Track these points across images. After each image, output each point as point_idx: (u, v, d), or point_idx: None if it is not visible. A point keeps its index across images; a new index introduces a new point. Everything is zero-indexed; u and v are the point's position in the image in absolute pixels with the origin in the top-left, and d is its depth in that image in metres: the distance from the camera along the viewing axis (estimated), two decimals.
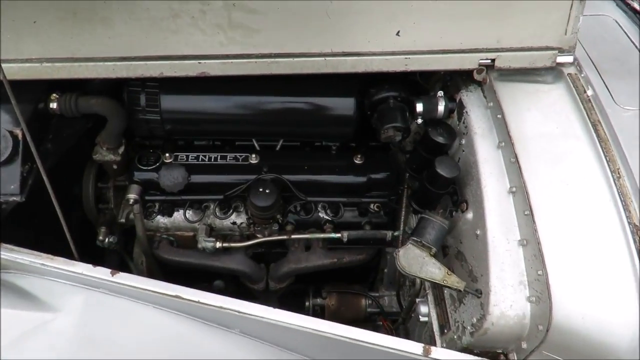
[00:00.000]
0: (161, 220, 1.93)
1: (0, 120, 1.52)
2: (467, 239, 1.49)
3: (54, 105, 1.61)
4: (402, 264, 1.44)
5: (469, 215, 1.50)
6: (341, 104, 1.81)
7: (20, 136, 1.47)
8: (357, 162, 1.90)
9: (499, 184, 1.45)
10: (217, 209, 1.91)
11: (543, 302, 1.26)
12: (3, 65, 1.49)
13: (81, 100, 1.62)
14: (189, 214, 1.93)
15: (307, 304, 2.24)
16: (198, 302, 1.49)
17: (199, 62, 1.52)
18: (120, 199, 1.98)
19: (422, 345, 1.42)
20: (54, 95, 1.62)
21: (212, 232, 1.93)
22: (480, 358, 1.39)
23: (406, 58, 1.52)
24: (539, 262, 1.28)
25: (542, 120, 1.46)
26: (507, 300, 1.33)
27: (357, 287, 2.36)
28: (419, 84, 1.84)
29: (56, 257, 1.54)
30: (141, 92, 1.76)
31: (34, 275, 1.59)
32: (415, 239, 1.47)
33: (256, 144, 1.99)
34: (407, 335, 1.92)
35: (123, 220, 1.96)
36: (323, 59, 1.51)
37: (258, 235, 1.95)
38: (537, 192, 1.35)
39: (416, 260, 1.45)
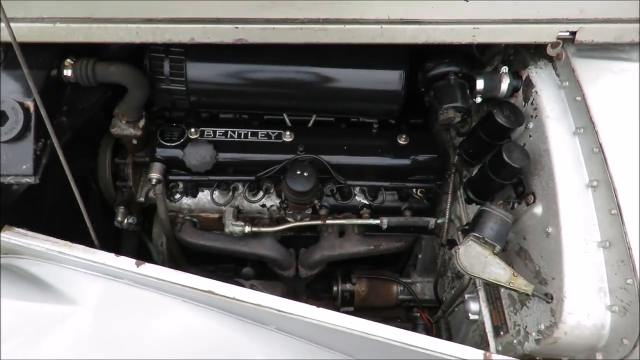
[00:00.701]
0: (185, 200, 1.77)
1: (2, 90, 1.33)
2: (534, 235, 1.34)
3: (68, 72, 1.42)
4: (463, 263, 1.29)
5: (537, 209, 1.34)
6: (388, 77, 1.62)
7: (32, 108, 1.29)
8: (401, 142, 1.73)
9: (575, 176, 1.28)
10: (246, 191, 1.74)
11: (631, 314, 1.12)
12: (10, 24, 1.30)
13: (99, 67, 1.43)
14: (215, 194, 1.76)
15: (335, 289, 2.11)
16: (233, 298, 1.35)
17: (236, 27, 1.31)
18: (139, 176, 1.81)
19: (483, 352, 1.29)
20: (68, 60, 1.42)
21: (239, 214, 1.78)
22: None
23: (474, 28, 1.32)
24: (628, 269, 1.13)
25: (631, 104, 1.28)
26: (584, 309, 1.19)
27: (387, 272, 2.23)
28: (472, 57, 1.64)
29: (75, 245, 1.39)
30: (165, 58, 1.57)
31: (51, 263, 1.45)
32: (476, 235, 1.31)
33: (287, 119, 1.81)
34: (448, 331, 1.79)
35: (142, 199, 1.80)
36: (379, 26, 1.31)
37: (289, 219, 1.80)
38: (625, 187, 1.18)
39: (478, 260, 1.29)
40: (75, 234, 1.74)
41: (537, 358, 1.33)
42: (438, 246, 1.94)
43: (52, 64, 1.39)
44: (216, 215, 1.82)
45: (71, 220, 1.83)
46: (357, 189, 1.79)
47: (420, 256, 2.09)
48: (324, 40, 1.33)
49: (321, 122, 1.84)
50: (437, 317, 1.87)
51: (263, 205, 1.79)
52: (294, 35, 1.33)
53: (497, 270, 1.28)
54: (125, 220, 1.76)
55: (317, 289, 2.26)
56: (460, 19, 1.32)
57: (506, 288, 1.28)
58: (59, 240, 1.40)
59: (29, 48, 1.36)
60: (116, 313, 1.38)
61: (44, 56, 1.38)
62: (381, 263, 2.24)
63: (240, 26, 1.31)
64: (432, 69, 1.45)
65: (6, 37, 1.31)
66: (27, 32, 1.31)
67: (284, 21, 1.32)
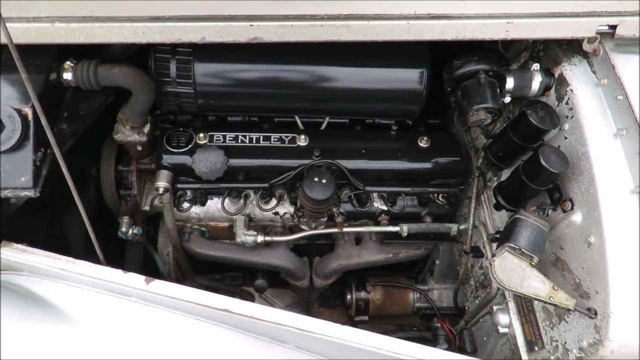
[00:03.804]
0: (193, 209, 1.67)
1: (1, 96, 1.22)
2: (573, 245, 1.25)
3: (68, 75, 1.31)
4: (499, 276, 1.20)
5: (576, 217, 1.25)
6: (409, 76, 1.52)
7: (30, 116, 1.18)
8: (422, 145, 1.63)
9: (619, 182, 1.19)
10: (258, 198, 1.65)
11: None
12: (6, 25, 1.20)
13: (101, 69, 1.32)
14: (226, 202, 1.66)
15: (348, 297, 2.02)
16: (251, 317, 1.25)
17: (251, 25, 1.21)
18: (143, 184, 1.71)
19: None
20: (68, 63, 1.32)
21: (250, 223, 1.68)
22: None
23: (508, 23, 1.22)
24: None
25: None
26: (632, 326, 1.10)
27: (402, 278, 2.14)
28: (497, 53, 1.54)
29: (79, 261, 1.30)
30: (171, 59, 1.46)
31: (53, 280, 1.35)
32: (512, 245, 1.22)
33: (299, 122, 1.71)
34: (472, 343, 1.70)
35: (147, 208, 1.70)
36: (405, 22, 1.22)
37: (303, 227, 1.70)
38: None
39: (515, 272, 1.20)
40: (77, 247, 1.64)
41: None
42: (458, 252, 1.85)
43: (51, 67, 1.29)
44: (226, 224, 1.72)
45: (72, 233, 1.73)
46: (375, 194, 1.69)
47: (437, 262, 2.00)
48: (346, 37, 1.24)
49: (334, 124, 1.74)
50: (459, 327, 1.78)
51: (276, 213, 1.69)
52: (314, 33, 1.23)
53: (536, 284, 1.20)
54: (130, 231, 1.65)
55: (328, 297, 2.17)
56: (493, 13, 1.22)
57: (547, 303, 1.19)
58: (60, 256, 1.31)
59: (26, 50, 1.26)
60: (124, 333, 1.29)
61: (42, 59, 1.28)
62: (395, 269, 2.15)
63: (255, 24, 1.21)
64: (460, 67, 1.35)
65: (1, 39, 1.22)
66: (24, 33, 1.20)
67: (302, 17, 1.22)
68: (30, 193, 1.18)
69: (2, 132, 1.16)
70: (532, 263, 1.22)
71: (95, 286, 1.33)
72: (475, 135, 1.74)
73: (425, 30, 1.23)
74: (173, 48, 1.46)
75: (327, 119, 1.73)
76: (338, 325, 1.25)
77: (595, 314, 1.16)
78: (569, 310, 1.18)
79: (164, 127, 1.67)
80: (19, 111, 1.17)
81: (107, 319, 1.29)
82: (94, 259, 1.37)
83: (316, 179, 1.45)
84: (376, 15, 1.22)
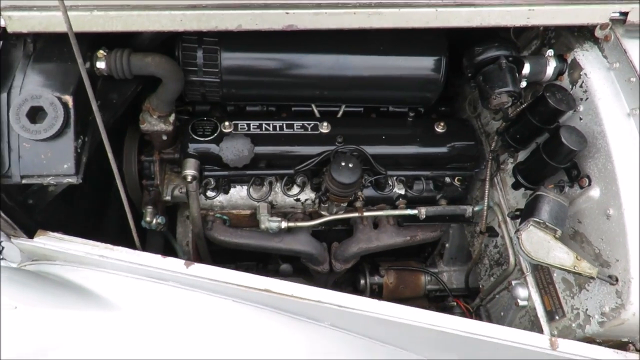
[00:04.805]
0: (216, 197, 1.70)
1: (34, 85, 1.23)
2: (592, 219, 1.33)
3: (101, 64, 1.32)
4: (527, 249, 1.27)
5: (594, 192, 1.33)
6: (428, 64, 1.59)
7: (71, 103, 1.19)
8: (439, 130, 1.70)
9: (634, 158, 1.28)
10: (282, 185, 1.68)
11: None
12: (42, 13, 1.21)
13: (134, 58, 1.34)
14: (250, 190, 1.70)
15: (362, 282, 2.08)
16: (292, 295, 1.29)
17: (287, 13, 1.25)
18: (164, 174, 1.73)
19: (548, 337, 1.28)
20: (101, 52, 1.32)
21: (271, 209, 1.72)
22: (614, 350, 1.27)
23: (530, 10, 1.29)
24: None
25: None
26: None
27: (413, 262, 2.21)
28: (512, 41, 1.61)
29: (117, 247, 1.32)
30: (197, 48, 1.49)
31: (88, 268, 1.36)
32: (537, 219, 1.30)
33: (315, 110, 1.75)
34: (488, 319, 1.78)
35: (168, 197, 1.72)
36: (434, 9, 1.27)
37: (323, 213, 1.75)
38: None
39: (541, 245, 1.28)
40: (105, 235, 1.65)
41: (597, 340, 1.34)
42: (470, 234, 1.93)
43: (85, 56, 1.29)
44: (248, 212, 1.75)
45: (100, 222, 1.74)
46: (392, 179, 1.75)
47: (447, 245, 2.07)
48: (377, 25, 1.28)
49: (349, 113, 1.79)
50: (475, 305, 1.86)
51: (297, 200, 1.73)
52: (347, 20, 1.27)
53: (560, 255, 1.28)
54: (154, 220, 1.67)
55: (340, 284, 2.23)
56: (515, 1, 1.29)
57: (571, 272, 1.27)
58: (98, 243, 1.32)
59: (61, 39, 1.27)
60: (166, 317, 1.31)
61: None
62: (404, 254, 2.22)
63: (291, 11, 1.25)
64: (482, 54, 1.42)
65: (36, 27, 1.22)
66: (62, 22, 1.20)
67: (335, 5, 1.26)
68: (73, 180, 1.19)
69: (44, 119, 1.16)
70: (556, 236, 1.29)
71: (133, 272, 1.35)
72: (485, 121, 1.82)
73: (452, 17, 1.29)
74: (199, 37, 1.49)
75: (343, 107, 1.78)
76: (376, 301, 1.31)
77: (617, 280, 1.24)
78: (591, 278, 1.26)
79: (181, 117, 1.69)
80: (59, 99, 1.18)
81: (148, 303, 1.31)
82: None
83: (343, 164, 1.50)
84: (406, 3, 1.27)
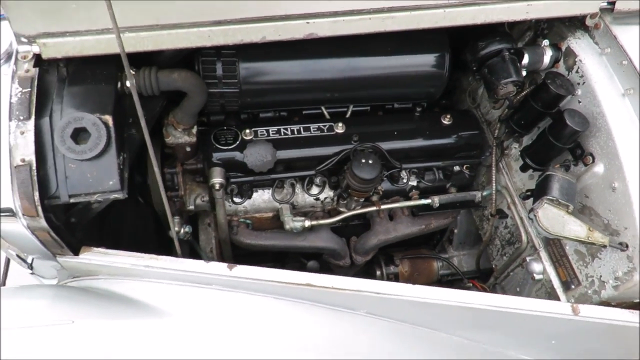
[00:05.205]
0: (243, 203, 1.77)
1: (70, 107, 1.28)
2: (598, 193, 1.45)
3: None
4: (544, 224, 1.38)
5: (598, 168, 1.45)
6: (433, 61, 1.69)
7: (110, 122, 1.25)
8: (445, 122, 1.80)
9: (632, 133, 1.40)
10: (304, 185, 1.76)
11: None
12: (76, 38, 1.26)
13: (162, 75, 1.40)
14: (270, 192, 1.77)
15: (378, 273, 2.17)
16: (332, 287, 1.38)
17: (307, 22, 1.33)
18: (187, 185, 1.78)
19: (570, 304, 1.39)
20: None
21: (293, 210, 1.80)
22: (629, 310, 1.39)
23: (528, 5, 1.41)
24: None
25: None
26: None
27: (423, 250, 2.32)
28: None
29: (161, 257, 1.38)
30: (217, 61, 1.55)
31: (132, 279, 1.41)
32: (549, 197, 1.41)
33: (325, 112, 1.84)
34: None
35: (192, 207, 1.78)
36: (442, 10, 1.37)
37: (342, 209, 1.83)
38: None
39: (556, 220, 1.39)
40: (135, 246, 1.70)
41: (612, 303, 1.45)
42: (479, 218, 2.04)
43: (116, 76, 1.35)
44: (270, 215, 1.82)
45: (117, 236, 1.78)
46: (405, 171, 1.85)
47: (456, 231, 2.18)
48: (391, 28, 1.38)
49: (356, 112, 1.88)
50: (490, 284, 1.97)
51: (317, 199, 1.81)
52: (363, 25, 1.36)
53: (575, 228, 1.39)
54: (182, 230, 1.73)
55: (355, 276, 2.31)
56: None
57: (585, 242, 1.39)
58: (142, 254, 1.38)
59: (91, 62, 1.33)
60: (213, 319, 1.37)
61: (107, 69, 1.34)
62: (415, 244, 2.31)
63: (311, 21, 1.33)
64: (485, 48, 1.53)
65: (70, 52, 1.27)
66: (94, 45, 1.26)
67: (351, 12, 1.35)
68: (119, 195, 1.24)
69: (88, 140, 1.21)
70: (569, 211, 1.41)
71: (176, 279, 1.41)
72: (485, 110, 1.94)
73: (459, 16, 1.39)
74: (217, 50, 1.55)
75: (350, 107, 1.86)
76: (410, 285, 1.40)
77: (627, 246, 1.36)
78: (604, 246, 1.38)
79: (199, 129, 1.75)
80: (100, 119, 1.23)
81: (196, 307, 1.38)
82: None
83: (363, 161, 1.59)
84: (416, 5, 1.36)
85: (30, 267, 1.59)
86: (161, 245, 1.83)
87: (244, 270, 1.37)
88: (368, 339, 1.41)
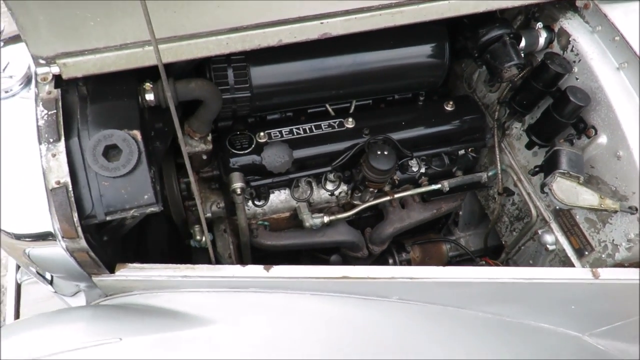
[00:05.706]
0: (264, 205, 1.79)
1: (97, 125, 1.27)
2: (603, 162, 1.54)
3: (150, 96, 1.38)
4: (560, 196, 1.46)
5: (601, 139, 1.54)
6: (434, 51, 1.75)
7: (139, 137, 1.25)
8: (448, 109, 1.87)
9: (630, 104, 1.49)
10: (320, 182, 1.80)
11: None
12: (95, 56, 1.26)
13: (179, 85, 1.40)
14: (287, 193, 1.80)
15: (391, 261, 2.22)
16: (368, 277, 1.42)
17: (321, 23, 1.36)
18: (202, 193, 1.79)
19: (589, 269, 1.48)
20: (148, 84, 1.38)
21: (309, 207, 1.83)
22: None
23: None
24: None
25: None
26: None
27: (431, 234, 2.39)
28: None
29: (198, 265, 1.39)
30: (227, 67, 1.57)
31: (168, 291, 1.42)
32: (561, 170, 1.49)
33: (330, 109, 1.88)
34: None
35: (209, 214, 1.79)
36: (447, 2, 1.43)
37: (356, 202, 1.88)
38: None
39: (570, 191, 1.48)
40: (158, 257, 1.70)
41: (626, 264, 1.55)
42: (484, 198, 2.12)
43: (136, 90, 1.35)
44: (287, 214, 1.85)
45: (149, 247, 1.77)
46: (414, 160, 1.91)
47: (461, 213, 2.26)
48: (400, 22, 1.43)
49: (360, 106, 1.92)
50: (501, 259, 2.06)
51: (332, 194, 1.85)
52: (374, 22, 1.40)
53: (587, 197, 1.48)
54: (203, 239, 1.74)
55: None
56: None
57: (598, 210, 1.48)
58: (178, 265, 1.39)
59: (109, 78, 1.32)
60: (254, 322, 1.40)
61: (127, 84, 1.34)
62: (421, 230, 2.38)
63: (325, 21, 1.37)
64: (486, 34, 1.59)
65: (91, 70, 1.27)
66: (115, 61, 1.26)
67: (361, 10, 1.39)
68: (155, 208, 1.25)
69: (120, 156, 1.21)
70: (580, 182, 1.49)
71: (212, 286, 1.42)
72: (481, 94, 2.02)
73: (462, 6, 1.45)
74: (227, 57, 1.56)
75: (354, 102, 1.91)
76: (440, 267, 1.46)
77: (636, 210, 1.46)
78: (615, 211, 1.47)
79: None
80: (129, 134, 1.24)
81: (238, 312, 1.40)
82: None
83: (379, 152, 1.63)
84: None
85: (50, 283, 1.57)
86: (179, 254, 1.83)
87: (281, 270, 1.39)
88: (405, 324, 1.46)
